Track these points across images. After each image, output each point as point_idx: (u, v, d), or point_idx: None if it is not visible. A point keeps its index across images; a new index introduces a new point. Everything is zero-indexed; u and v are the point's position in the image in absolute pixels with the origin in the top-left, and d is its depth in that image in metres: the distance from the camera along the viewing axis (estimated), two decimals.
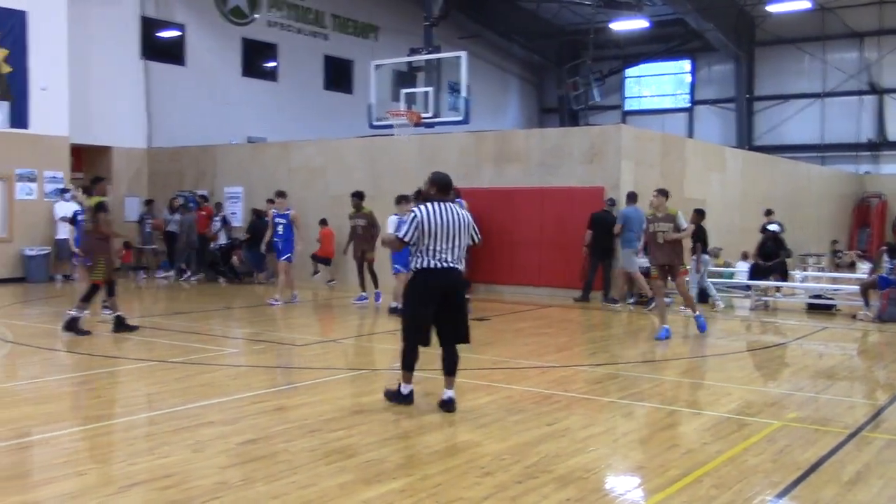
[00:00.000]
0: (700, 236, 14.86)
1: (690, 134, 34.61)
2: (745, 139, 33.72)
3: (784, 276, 15.97)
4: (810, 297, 15.80)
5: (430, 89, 16.98)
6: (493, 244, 16.97)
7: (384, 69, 18.18)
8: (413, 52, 18.01)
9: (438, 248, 7.03)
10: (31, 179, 19.68)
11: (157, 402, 7.66)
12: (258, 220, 18.80)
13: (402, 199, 13.26)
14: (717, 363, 10.08)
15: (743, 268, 17.30)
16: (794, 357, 10.89)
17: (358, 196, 15.07)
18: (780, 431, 6.63)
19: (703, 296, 15.08)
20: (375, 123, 17.39)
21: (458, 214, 7.16)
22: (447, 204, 7.17)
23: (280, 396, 7.86)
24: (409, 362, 7.24)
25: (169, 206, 20.81)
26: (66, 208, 18.59)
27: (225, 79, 25.50)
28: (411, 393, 7.30)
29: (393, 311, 13.10)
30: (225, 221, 20.38)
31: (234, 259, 19.78)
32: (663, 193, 11.80)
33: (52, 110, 19.77)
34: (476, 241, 7.39)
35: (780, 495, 5.18)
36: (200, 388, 8.10)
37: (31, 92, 19.45)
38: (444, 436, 6.52)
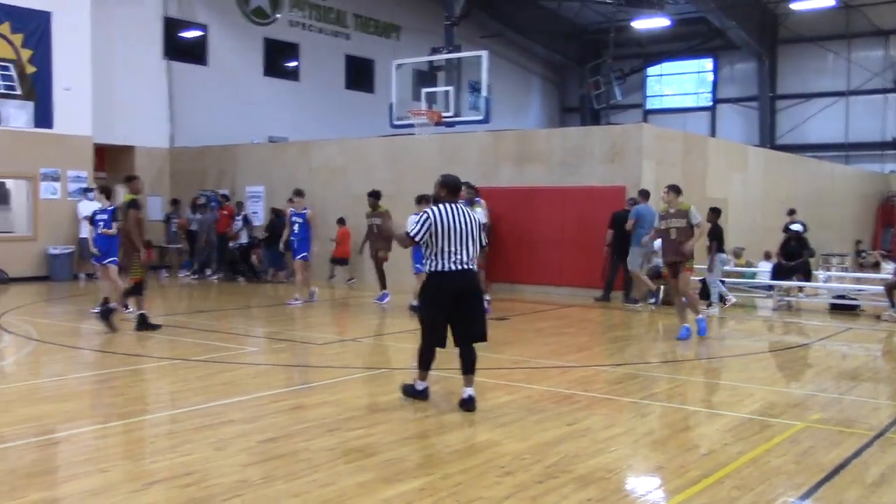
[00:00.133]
0: (716, 234, 14.74)
1: (713, 133, 34.40)
2: (768, 138, 33.47)
3: (807, 276, 15.83)
4: (834, 297, 15.66)
5: (450, 88, 16.97)
6: (513, 244, 17.00)
7: (405, 68, 18.20)
8: (434, 51, 18.02)
9: (452, 249, 7.10)
10: (55, 179, 19.87)
11: (178, 400, 7.71)
12: (277, 220, 18.88)
13: (422, 199, 13.24)
14: (739, 364, 10.01)
15: (765, 268, 17.17)
16: (817, 358, 10.79)
17: (374, 195, 15.09)
18: (803, 433, 6.58)
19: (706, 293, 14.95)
20: (396, 123, 17.41)
21: (468, 215, 7.25)
22: (458, 205, 7.27)
23: (300, 395, 7.89)
24: (425, 362, 7.35)
25: (191, 205, 20.96)
26: (89, 207, 18.72)
27: (247, 78, 25.62)
28: (426, 389, 7.41)
29: (413, 309, 13.12)
30: (246, 220, 20.49)
31: (254, 258, 19.88)
32: (674, 189, 11.61)
33: (76, 110, 19.95)
34: (482, 244, 7.45)
35: (804, 497, 5.14)
36: (222, 387, 8.15)
37: (55, 92, 19.64)
38: (463, 435, 6.51)
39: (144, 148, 22.77)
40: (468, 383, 7.20)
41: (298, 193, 15.26)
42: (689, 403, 7.88)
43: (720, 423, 6.90)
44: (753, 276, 17.56)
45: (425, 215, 7.18)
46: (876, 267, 21.44)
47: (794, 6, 30.33)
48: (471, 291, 7.23)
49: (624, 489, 5.37)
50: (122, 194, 12.69)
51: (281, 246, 16.52)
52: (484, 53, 16.50)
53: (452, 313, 7.15)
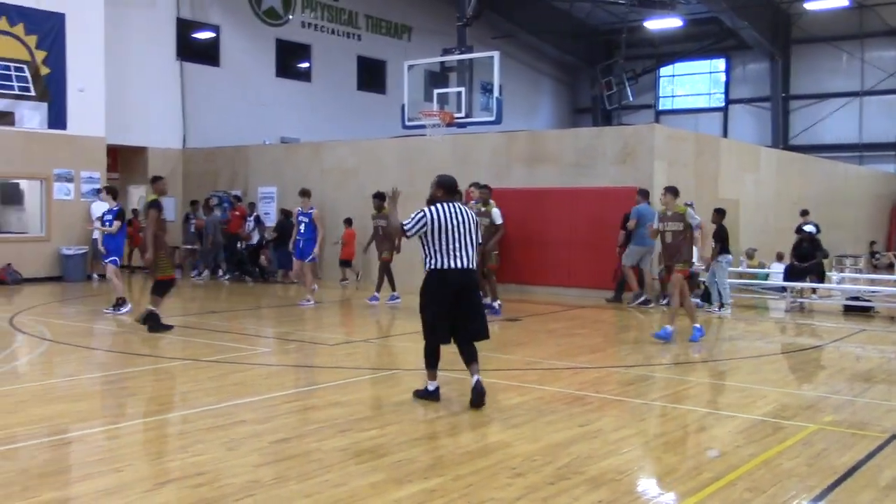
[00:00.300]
0: (721, 235, 14.67)
1: (725, 133, 34.31)
2: (781, 138, 33.35)
3: (820, 277, 15.75)
4: (847, 298, 15.58)
5: (462, 89, 16.95)
6: (525, 245, 16.98)
7: (417, 69, 18.20)
8: (446, 52, 18.00)
9: (450, 247, 7.19)
10: (69, 180, 19.98)
11: (191, 401, 7.73)
12: (286, 220, 18.93)
13: (378, 196, 13.43)
14: (751, 365, 9.97)
15: (778, 269, 17.10)
16: (830, 360, 10.73)
17: (379, 197, 15.10)
18: (816, 435, 6.54)
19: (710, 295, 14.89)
20: (408, 124, 17.41)
21: (466, 214, 7.37)
22: (455, 204, 7.39)
23: (311, 395, 7.91)
24: (431, 361, 7.43)
25: (204, 205, 21.02)
26: (102, 208, 18.82)
27: (259, 79, 25.70)
28: (437, 389, 7.45)
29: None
30: (258, 221, 20.54)
31: (263, 259, 19.93)
32: (671, 191, 11.43)
33: (90, 111, 20.05)
34: (479, 242, 7.57)
35: (816, 500, 5.11)
36: (233, 387, 8.17)
37: (69, 93, 19.76)
38: (475, 436, 6.51)
39: (157, 149, 22.87)
40: (474, 371, 7.30)
41: (304, 193, 15.24)
42: (701, 405, 7.85)
43: (732, 425, 6.87)
44: (766, 277, 17.49)
45: (421, 213, 7.28)
46: (890, 268, 21.36)
47: (807, 6, 30.22)
48: (470, 289, 7.34)
49: (635, 491, 5.35)
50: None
51: (290, 246, 16.56)
52: (496, 54, 16.49)
53: (454, 311, 7.23)
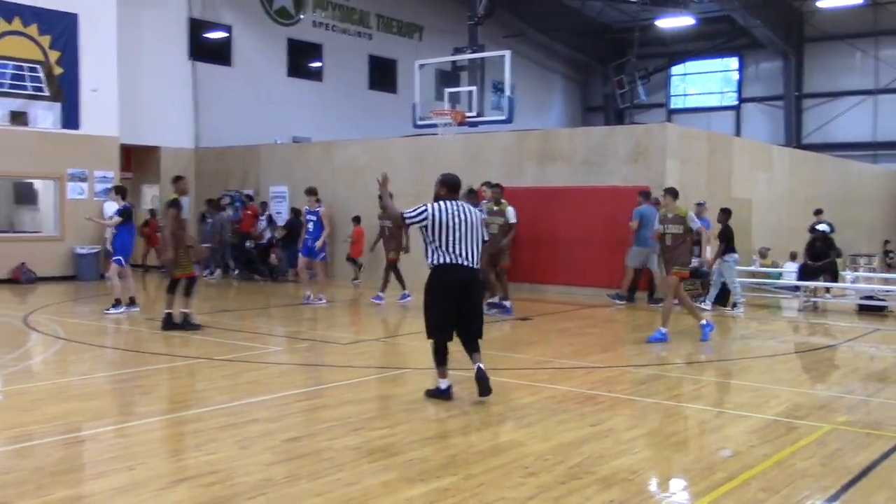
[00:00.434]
0: (727, 235, 14.61)
1: (738, 132, 34.15)
2: (794, 137, 33.18)
3: (834, 276, 15.66)
4: (861, 298, 15.50)
5: (473, 88, 16.95)
6: (536, 244, 16.95)
7: (428, 68, 18.20)
8: (457, 51, 17.99)
9: (453, 245, 7.25)
10: (82, 179, 20.07)
11: (204, 399, 7.76)
12: (296, 219, 18.96)
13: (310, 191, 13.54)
14: (764, 365, 9.93)
15: (791, 268, 17.02)
16: (844, 359, 10.68)
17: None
18: (829, 435, 6.51)
19: (726, 295, 14.82)
20: (420, 123, 17.42)
21: (470, 212, 7.43)
22: (459, 202, 7.44)
23: (323, 394, 7.92)
24: (440, 358, 7.46)
25: (212, 204, 21.07)
26: (113, 208, 18.90)
27: (270, 79, 25.75)
28: (449, 388, 7.46)
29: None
30: (270, 220, 20.59)
31: (273, 257, 19.97)
32: (671, 193, 11.24)
33: (103, 111, 20.14)
34: (484, 238, 7.68)
35: (831, 500, 5.09)
36: (246, 386, 8.19)
37: (82, 93, 19.85)
38: (487, 435, 6.51)
39: (170, 148, 22.95)
40: (476, 360, 7.38)
41: (310, 192, 15.23)
42: (714, 405, 7.83)
43: (745, 425, 6.84)
44: (779, 276, 17.41)
45: (424, 207, 7.34)
46: None
47: (820, 3, 30.04)
48: (472, 287, 7.42)
49: (647, 491, 5.34)
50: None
51: (300, 244, 16.60)
52: (507, 53, 16.46)
53: (457, 308, 7.29)
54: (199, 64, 23.77)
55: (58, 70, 19.46)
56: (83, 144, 19.85)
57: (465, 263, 7.29)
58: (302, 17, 26.79)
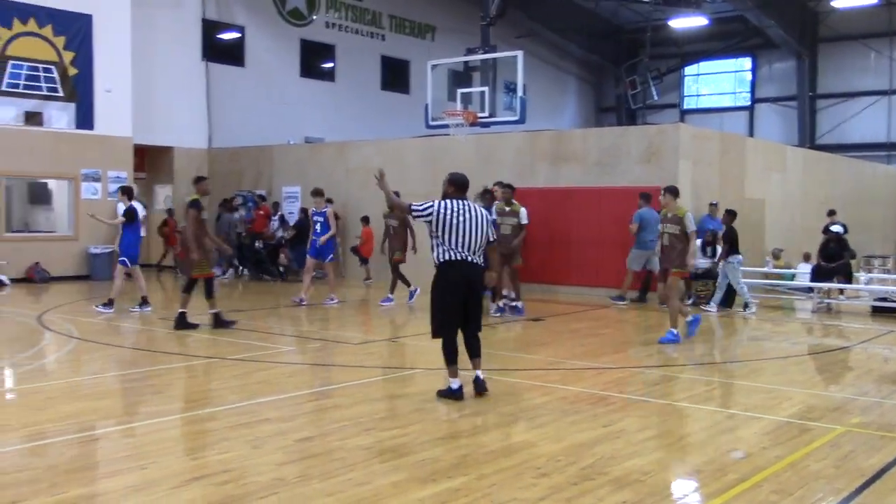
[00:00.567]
0: (731, 237, 14.54)
1: (751, 133, 34.02)
2: (808, 138, 33.02)
3: (848, 278, 15.58)
4: (875, 299, 15.40)
5: (486, 89, 16.94)
6: (549, 245, 16.93)
7: (440, 69, 18.21)
8: (469, 51, 17.99)
9: (458, 243, 7.35)
10: (96, 179, 20.17)
11: (216, 399, 7.79)
12: (305, 219, 18.99)
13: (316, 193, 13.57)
14: (777, 366, 9.88)
15: (805, 269, 16.93)
16: (858, 361, 10.62)
17: None
18: (843, 437, 6.48)
19: (731, 297, 14.75)
20: (432, 123, 17.43)
21: (476, 211, 7.52)
22: (466, 201, 7.55)
23: (335, 394, 7.93)
24: (449, 356, 7.53)
25: (223, 205, 21.14)
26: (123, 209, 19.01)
27: (283, 79, 25.82)
28: (461, 388, 7.48)
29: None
30: (283, 221, 20.64)
31: (282, 257, 20.00)
32: (671, 192, 10.88)
33: (117, 111, 20.24)
34: (491, 238, 7.70)
35: (844, 502, 5.06)
36: (258, 385, 8.22)
37: (97, 94, 19.95)
38: (498, 436, 6.51)
39: (183, 149, 23.05)
40: (476, 366, 7.55)
41: (316, 193, 15.23)
42: (726, 406, 7.80)
43: (758, 427, 6.81)
44: (792, 277, 17.33)
45: (431, 202, 7.46)
46: None
47: (834, 4, 29.89)
48: (476, 284, 7.54)
49: (660, 492, 5.31)
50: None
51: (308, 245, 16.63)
52: (519, 53, 16.45)
53: (464, 303, 7.40)
54: (212, 64, 23.86)
55: (72, 71, 19.57)
56: (97, 145, 19.95)
57: (470, 259, 7.39)
58: (315, 17, 26.85)
